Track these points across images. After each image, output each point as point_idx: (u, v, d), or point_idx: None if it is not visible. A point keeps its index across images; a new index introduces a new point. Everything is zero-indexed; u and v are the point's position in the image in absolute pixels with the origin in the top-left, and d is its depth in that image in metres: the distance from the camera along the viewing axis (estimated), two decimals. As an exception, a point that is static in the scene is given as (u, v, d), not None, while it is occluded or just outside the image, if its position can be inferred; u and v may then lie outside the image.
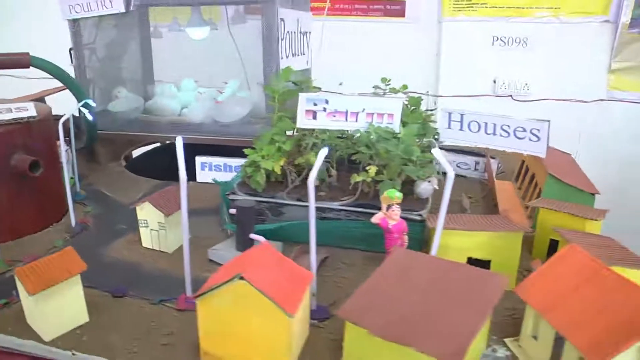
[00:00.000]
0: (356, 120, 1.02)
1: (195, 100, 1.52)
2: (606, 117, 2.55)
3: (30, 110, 1.05)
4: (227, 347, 0.70)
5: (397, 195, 0.89)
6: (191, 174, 1.42)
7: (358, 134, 1.02)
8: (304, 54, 1.56)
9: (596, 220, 0.97)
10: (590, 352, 0.61)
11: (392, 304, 0.67)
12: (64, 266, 0.78)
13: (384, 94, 1.32)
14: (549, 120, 0.92)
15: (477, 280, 0.72)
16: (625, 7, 2.39)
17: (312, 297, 0.81)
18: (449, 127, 1.02)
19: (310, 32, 1.62)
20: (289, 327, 0.66)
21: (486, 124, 0.96)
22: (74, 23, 1.41)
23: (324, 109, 1.01)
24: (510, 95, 2.64)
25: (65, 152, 1.29)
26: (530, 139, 0.94)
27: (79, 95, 1.28)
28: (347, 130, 1.09)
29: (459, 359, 0.58)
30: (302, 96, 1.01)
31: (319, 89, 1.20)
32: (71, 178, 1.30)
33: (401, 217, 0.93)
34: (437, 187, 1.02)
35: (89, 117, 1.13)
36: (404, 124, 1.10)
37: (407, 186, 1.05)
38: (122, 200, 1.31)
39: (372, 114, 1.02)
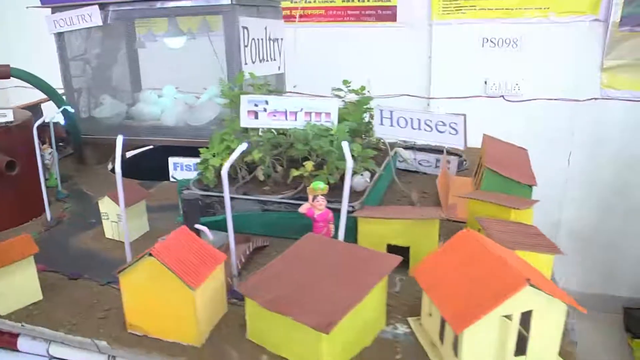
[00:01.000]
0: (295, 119, 1.11)
1: (171, 106, 1.63)
2: (600, 115, 2.53)
3: (8, 116, 1.18)
4: (147, 319, 0.79)
5: (321, 187, 0.96)
6: (166, 174, 1.53)
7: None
8: (274, 60, 1.65)
9: (519, 209, 1.02)
10: (455, 321, 0.67)
11: (285, 281, 0.75)
12: (19, 250, 0.89)
13: (345, 96, 1.40)
14: (464, 114, 0.98)
15: (370, 261, 0.79)
16: (614, 6, 2.39)
17: (234, 278, 0.90)
18: (382, 124, 1.09)
19: (282, 39, 1.71)
20: (193, 300, 0.74)
21: (412, 119, 1.02)
22: (59, 37, 1.54)
23: (265, 110, 1.10)
24: (502, 96, 2.67)
25: (49, 155, 1.43)
26: (450, 133, 1.00)
27: (59, 102, 1.41)
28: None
29: (329, 329, 0.65)
30: (244, 98, 1.10)
31: (269, 92, 1.28)
32: (55, 179, 1.44)
33: (332, 208, 1.00)
34: (369, 181, 1.09)
35: (61, 122, 1.25)
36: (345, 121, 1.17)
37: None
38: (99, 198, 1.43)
39: (310, 113, 1.10)
